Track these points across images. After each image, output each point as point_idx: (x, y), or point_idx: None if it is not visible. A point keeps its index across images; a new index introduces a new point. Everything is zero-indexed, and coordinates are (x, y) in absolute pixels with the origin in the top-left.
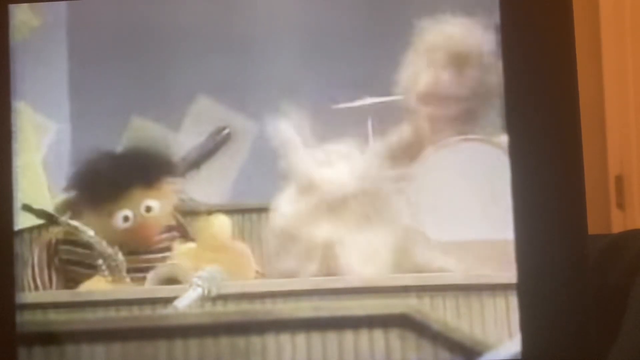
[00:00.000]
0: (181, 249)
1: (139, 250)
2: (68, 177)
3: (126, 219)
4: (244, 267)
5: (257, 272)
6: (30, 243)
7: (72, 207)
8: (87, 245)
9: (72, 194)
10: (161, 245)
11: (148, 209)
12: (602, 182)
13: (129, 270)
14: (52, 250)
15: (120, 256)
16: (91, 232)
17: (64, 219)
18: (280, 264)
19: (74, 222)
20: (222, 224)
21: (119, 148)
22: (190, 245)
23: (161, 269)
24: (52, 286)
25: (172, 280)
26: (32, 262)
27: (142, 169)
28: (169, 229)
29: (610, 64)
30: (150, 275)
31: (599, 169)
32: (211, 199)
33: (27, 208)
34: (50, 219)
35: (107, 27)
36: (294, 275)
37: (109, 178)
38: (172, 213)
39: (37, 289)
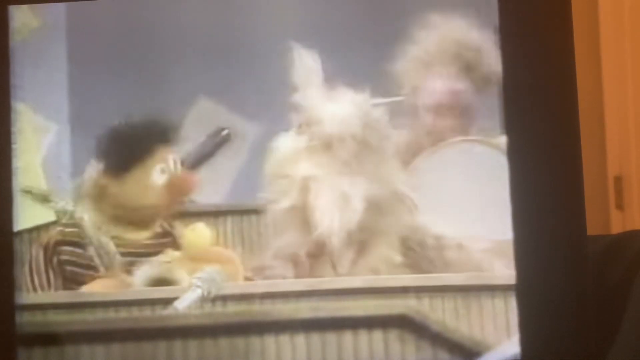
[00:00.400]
0: (172, 255)
1: (136, 245)
2: (93, 150)
3: (163, 171)
4: (231, 275)
5: (247, 278)
6: (30, 244)
7: (103, 179)
8: (82, 244)
9: (100, 165)
10: (155, 249)
11: (175, 163)
12: (601, 183)
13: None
14: (51, 251)
15: (112, 246)
16: (85, 216)
17: (61, 204)
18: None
19: (69, 207)
20: (201, 234)
21: (134, 117)
22: (179, 252)
23: (150, 268)
24: (50, 287)
25: (162, 280)
26: (31, 263)
27: (160, 133)
28: (162, 235)
29: (609, 65)
30: (139, 273)
31: (598, 170)
32: (210, 199)
33: (26, 191)
34: (45, 200)
35: (107, 28)
36: (288, 276)
37: (133, 140)
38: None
39: (35, 290)
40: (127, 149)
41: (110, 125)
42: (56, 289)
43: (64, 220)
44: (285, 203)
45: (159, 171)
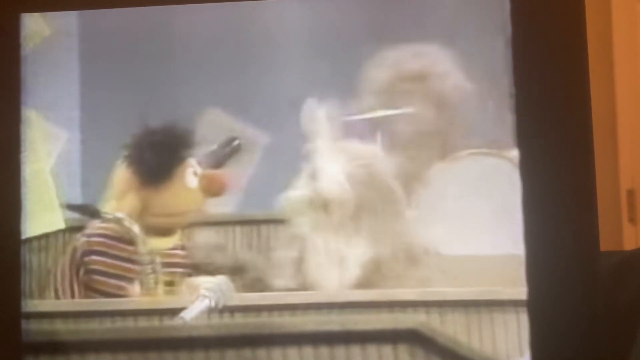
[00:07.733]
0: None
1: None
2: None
3: (195, 174)
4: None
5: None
6: (39, 251)
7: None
8: (110, 254)
9: (133, 172)
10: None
11: (200, 164)
12: (614, 196)
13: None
14: (78, 259)
15: (157, 259)
16: (136, 229)
17: (111, 215)
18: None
19: (120, 215)
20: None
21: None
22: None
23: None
24: (74, 296)
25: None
26: (56, 272)
27: (181, 138)
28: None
29: (622, 78)
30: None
31: (610, 183)
32: (220, 209)
33: (69, 207)
34: (96, 214)
35: (118, 37)
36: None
37: (162, 148)
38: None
39: (57, 297)
40: (158, 156)
41: (134, 133)
42: (81, 298)
43: (89, 230)
44: (287, 253)
45: (192, 174)
